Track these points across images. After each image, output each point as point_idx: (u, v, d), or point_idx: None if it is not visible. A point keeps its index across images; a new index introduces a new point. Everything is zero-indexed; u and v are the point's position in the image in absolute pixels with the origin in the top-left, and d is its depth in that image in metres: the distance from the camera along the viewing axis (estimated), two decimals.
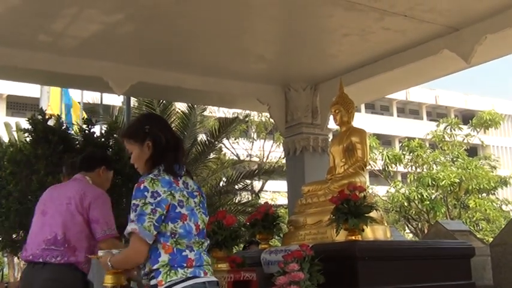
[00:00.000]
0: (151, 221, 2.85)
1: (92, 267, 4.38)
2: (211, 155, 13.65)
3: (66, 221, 4.14)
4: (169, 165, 3.00)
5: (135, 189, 2.93)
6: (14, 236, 8.49)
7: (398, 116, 46.91)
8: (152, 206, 2.86)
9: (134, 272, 3.33)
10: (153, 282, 2.90)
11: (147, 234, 2.85)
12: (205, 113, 14.78)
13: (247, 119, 16.87)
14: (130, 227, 2.87)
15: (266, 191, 20.24)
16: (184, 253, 2.92)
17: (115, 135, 8.85)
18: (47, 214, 4.25)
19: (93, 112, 13.69)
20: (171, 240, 2.91)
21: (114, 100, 14.89)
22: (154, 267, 2.89)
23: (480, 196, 17.83)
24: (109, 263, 3.09)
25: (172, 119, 13.49)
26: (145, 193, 2.89)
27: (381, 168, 19.14)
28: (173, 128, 13.24)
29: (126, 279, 3.36)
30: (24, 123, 8.21)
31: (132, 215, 2.89)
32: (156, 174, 2.97)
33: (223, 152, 17.37)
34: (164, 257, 2.89)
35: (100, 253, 3.26)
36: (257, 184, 17.78)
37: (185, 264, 2.90)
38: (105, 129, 8.65)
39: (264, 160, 19.22)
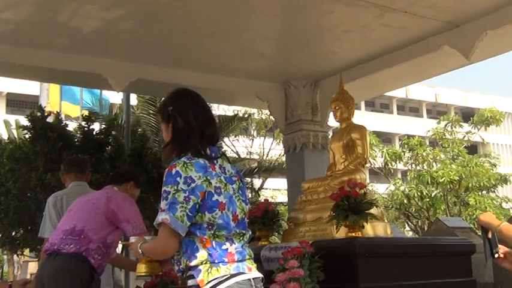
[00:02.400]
0: (184, 210, 2.52)
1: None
2: None
3: (88, 216, 4.32)
4: (197, 150, 2.68)
5: (166, 173, 2.60)
6: (13, 233, 8.50)
7: (398, 113, 46.96)
8: (185, 194, 2.54)
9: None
10: (192, 282, 2.57)
11: (179, 225, 2.52)
12: None
13: (246, 115, 16.83)
14: (161, 216, 2.55)
15: (266, 189, 20.24)
16: (224, 246, 2.60)
17: (114, 133, 8.86)
18: (71, 211, 4.47)
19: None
20: (209, 232, 2.58)
21: (114, 97, 14.87)
22: (192, 263, 2.57)
23: (480, 194, 17.85)
24: (139, 250, 2.80)
25: None
26: (178, 179, 2.55)
27: (381, 166, 19.15)
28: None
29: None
30: (24, 121, 8.22)
31: (163, 204, 2.56)
32: (189, 157, 2.64)
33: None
34: (203, 252, 2.56)
35: (132, 239, 3.06)
36: (257, 182, 17.79)
37: (227, 260, 2.58)
38: (104, 126, 8.66)
39: (264, 158, 19.19)
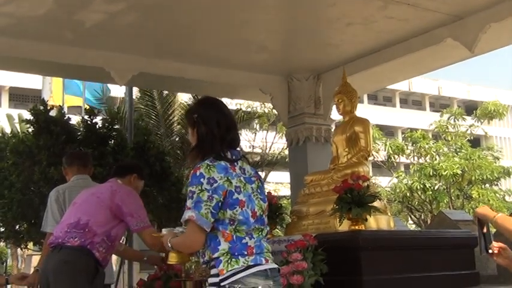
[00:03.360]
0: (208, 208, 2.81)
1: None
2: None
3: (92, 209, 4.32)
4: (219, 155, 2.95)
5: (192, 175, 2.90)
6: (16, 227, 8.51)
7: (401, 107, 46.90)
8: (209, 193, 2.82)
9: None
10: (213, 271, 2.86)
11: (205, 222, 2.81)
12: None
13: (249, 109, 16.82)
14: (187, 214, 2.83)
15: (269, 183, 20.25)
16: (244, 240, 2.87)
17: (116, 127, 8.86)
18: (75, 204, 4.47)
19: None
20: (230, 227, 2.86)
21: (117, 91, 14.87)
22: (215, 255, 2.85)
23: (483, 187, 17.82)
24: (169, 244, 3.07)
25: (175, 110, 13.49)
26: (202, 179, 2.84)
27: (384, 159, 19.13)
28: (175, 120, 13.23)
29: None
30: (27, 115, 8.22)
31: (189, 202, 2.85)
32: (212, 160, 2.92)
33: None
34: (224, 245, 2.84)
35: (164, 231, 3.28)
36: (260, 175, 17.76)
37: (246, 252, 2.86)
38: (107, 120, 8.66)
39: (267, 151, 19.19)
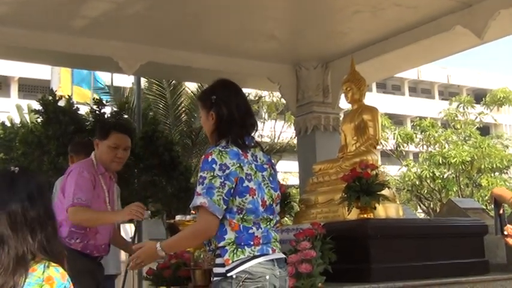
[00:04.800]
0: (220, 194, 2.72)
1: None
2: None
3: (57, 202, 4.05)
4: (235, 139, 2.87)
5: (203, 160, 2.81)
6: None
7: (410, 95, 46.67)
8: (221, 179, 2.73)
9: None
10: (219, 260, 2.80)
11: (217, 208, 2.72)
12: None
13: (257, 98, 16.79)
14: (199, 200, 2.73)
15: (278, 171, 20.20)
16: (250, 231, 2.80)
17: (125, 116, 8.87)
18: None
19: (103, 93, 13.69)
20: (238, 216, 2.79)
21: (125, 81, 14.88)
22: (220, 244, 2.78)
23: (493, 175, 17.74)
24: (159, 248, 2.89)
25: (183, 99, 13.47)
26: (214, 165, 2.75)
27: (393, 148, 19.08)
28: (183, 108, 13.18)
29: None
30: (36, 105, 8.25)
31: (199, 188, 2.75)
32: (224, 146, 2.84)
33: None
34: (230, 235, 2.78)
35: (177, 217, 3.28)
36: None
37: (252, 243, 2.79)
38: (115, 109, 8.68)
39: (275, 140, 19.16)
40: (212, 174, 2.74)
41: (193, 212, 3.32)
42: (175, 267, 4.86)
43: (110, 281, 5.38)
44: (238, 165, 2.79)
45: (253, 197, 2.82)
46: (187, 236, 2.99)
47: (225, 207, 2.75)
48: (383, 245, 4.69)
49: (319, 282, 4.29)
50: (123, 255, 6.51)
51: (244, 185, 2.80)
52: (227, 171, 2.75)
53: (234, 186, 2.77)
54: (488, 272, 5.23)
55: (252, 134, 3.01)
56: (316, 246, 4.40)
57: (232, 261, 2.74)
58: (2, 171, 2.07)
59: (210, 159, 2.78)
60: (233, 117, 2.91)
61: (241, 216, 2.80)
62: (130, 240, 9.88)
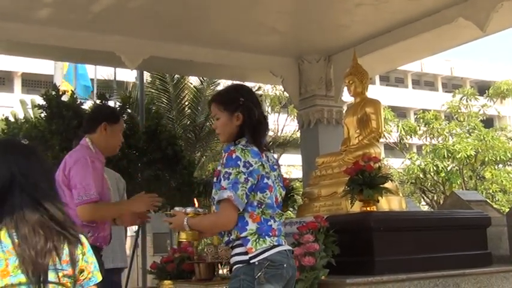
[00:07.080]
0: (244, 189, 2.95)
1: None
2: None
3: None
4: (256, 139, 3.11)
5: (227, 157, 3.01)
6: None
7: (413, 87, 46.56)
8: (245, 176, 2.96)
9: None
10: (240, 249, 3.00)
11: (240, 202, 2.94)
12: (219, 88, 14.75)
13: (260, 91, 16.79)
14: (225, 193, 2.94)
15: (281, 165, 20.21)
16: (269, 223, 3.04)
17: (128, 111, 8.88)
18: None
19: (107, 88, 13.69)
20: (258, 209, 3.02)
21: (128, 76, 14.88)
22: (242, 235, 2.99)
23: (496, 167, 17.71)
24: (185, 223, 3.15)
25: (185, 93, 13.47)
26: (238, 162, 2.97)
27: (396, 141, 19.06)
28: (186, 102, 13.22)
29: None
30: (39, 100, 8.25)
31: (225, 183, 2.96)
32: (245, 144, 3.06)
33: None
34: (252, 226, 3.00)
35: (176, 209, 3.31)
36: None
37: (271, 234, 3.02)
38: (119, 104, 8.68)
39: (278, 134, 19.18)
40: (237, 170, 2.96)
41: (196, 205, 3.48)
42: (179, 261, 4.88)
43: (117, 274, 5.38)
44: (260, 163, 3.03)
45: (271, 193, 3.07)
46: (209, 223, 3.23)
47: (246, 201, 2.98)
48: (386, 237, 4.69)
49: (323, 275, 4.31)
50: (128, 249, 6.54)
51: (265, 181, 3.05)
52: (250, 169, 2.98)
53: (256, 182, 3.00)
54: (491, 264, 5.24)
55: None
56: (319, 239, 4.41)
57: (255, 250, 2.96)
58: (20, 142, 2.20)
59: (234, 156, 2.99)
60: (260, 121, 3.17)
61: (261, 209, 3.03)
62: (134, 234, 9.91)
